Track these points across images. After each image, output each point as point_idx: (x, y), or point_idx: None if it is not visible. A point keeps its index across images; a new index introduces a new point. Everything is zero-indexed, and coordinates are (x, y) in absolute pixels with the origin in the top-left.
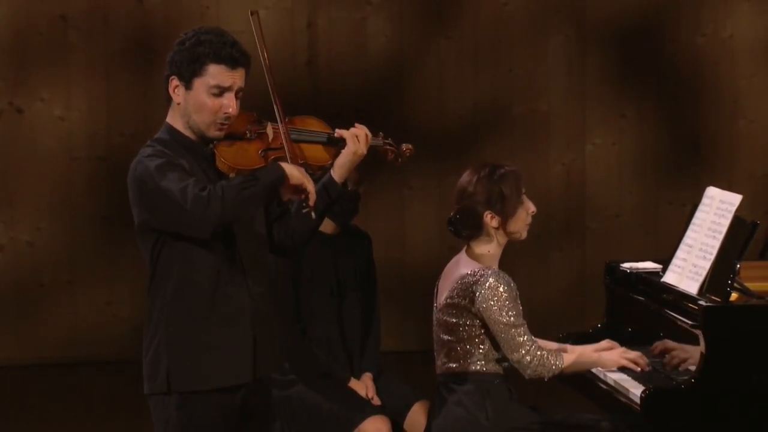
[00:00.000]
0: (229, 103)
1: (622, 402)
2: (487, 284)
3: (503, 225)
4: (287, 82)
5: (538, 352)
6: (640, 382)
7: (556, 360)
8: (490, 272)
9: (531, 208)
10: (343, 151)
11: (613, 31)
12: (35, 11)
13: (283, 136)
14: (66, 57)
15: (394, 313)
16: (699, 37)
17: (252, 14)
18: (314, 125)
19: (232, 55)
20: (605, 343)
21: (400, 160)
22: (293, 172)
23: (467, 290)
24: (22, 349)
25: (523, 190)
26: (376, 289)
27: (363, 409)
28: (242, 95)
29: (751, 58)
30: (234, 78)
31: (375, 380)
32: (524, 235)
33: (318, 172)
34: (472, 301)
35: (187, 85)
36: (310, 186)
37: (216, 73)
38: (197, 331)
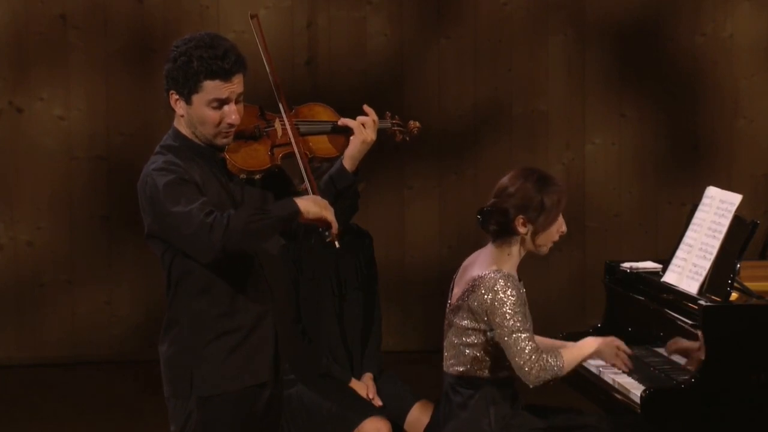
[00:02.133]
0: (231, 112)
1: (622, 402)
2: (496, 287)
3: (533, 235)
4: (287, 82)
5: (543, 356)
6: (640, 382)
7: (557, 360)
8: (500, 275)
9: (563, 227)
10: (351, 140)
11: (613, 31)
12: (35, 11)
13: (290, 133)
14: (66, 57)
15: (395, 313)
16: (699, 36)
17: (252, 18)
18: (322, 113)
19: (225, 68)
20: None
21: (408, 139)
22: (309, 207)
23: (477, 292)
24: (21, 348)
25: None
26: (377, 289)
27: (363, 409)
28: (243, 98)
29: (751, 58)
30: (231, 88)
31: (375, 380)
32: (546, 251)
33: (325, 163)
34: (482, 303)
35: (187, 100)
36: (330, 216)
37: (212, 89)
38: (221, 333)
